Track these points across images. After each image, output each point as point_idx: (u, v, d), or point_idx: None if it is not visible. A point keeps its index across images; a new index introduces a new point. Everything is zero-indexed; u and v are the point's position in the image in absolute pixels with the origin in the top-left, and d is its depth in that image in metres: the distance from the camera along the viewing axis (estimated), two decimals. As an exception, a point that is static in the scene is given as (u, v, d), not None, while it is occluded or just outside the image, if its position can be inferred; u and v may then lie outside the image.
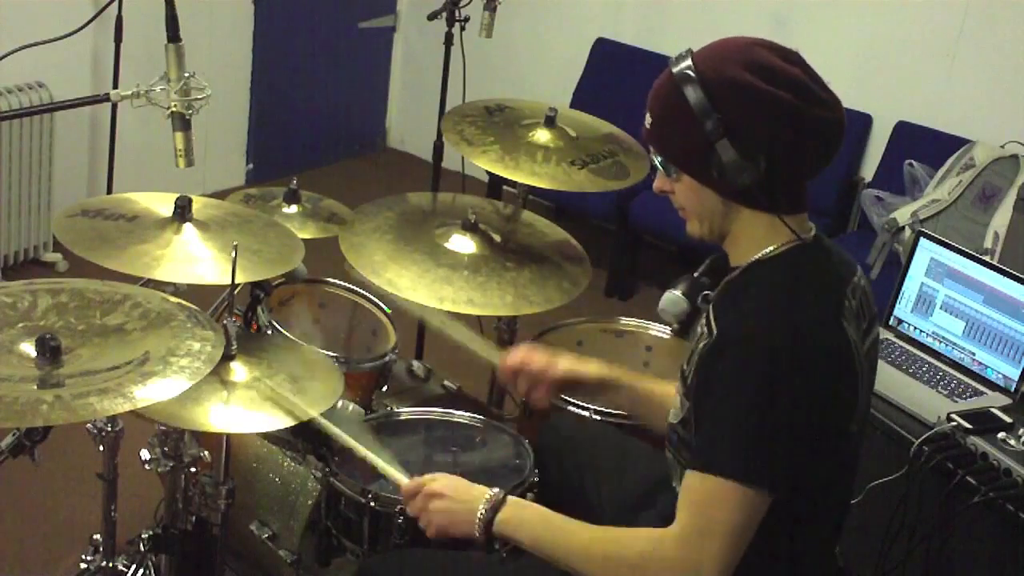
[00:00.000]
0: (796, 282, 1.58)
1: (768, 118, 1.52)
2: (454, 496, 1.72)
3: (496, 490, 1.72)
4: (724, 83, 1.52)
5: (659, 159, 1.64)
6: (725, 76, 1.52)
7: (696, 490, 1.53)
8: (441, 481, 1.76)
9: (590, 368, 1.99)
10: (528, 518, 1.68)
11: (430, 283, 2.36)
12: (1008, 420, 2.30)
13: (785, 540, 1.61)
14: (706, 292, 1.74)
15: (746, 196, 1.57)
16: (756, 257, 1.62)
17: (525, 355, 2.01)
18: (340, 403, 2.14)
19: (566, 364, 1.98)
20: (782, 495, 1.51)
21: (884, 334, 2.69)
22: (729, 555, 1.51)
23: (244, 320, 2.48)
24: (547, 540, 1.64)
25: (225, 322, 1.91)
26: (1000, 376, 2.47)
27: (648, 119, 1.63)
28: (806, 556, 1.68)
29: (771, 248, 1.61)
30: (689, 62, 1.55)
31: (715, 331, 1.58)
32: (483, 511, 1.68)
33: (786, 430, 1.50)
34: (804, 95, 1.52)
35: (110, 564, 2.23)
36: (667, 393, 1.87)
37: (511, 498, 1.71)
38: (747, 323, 1.55)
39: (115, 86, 3.71)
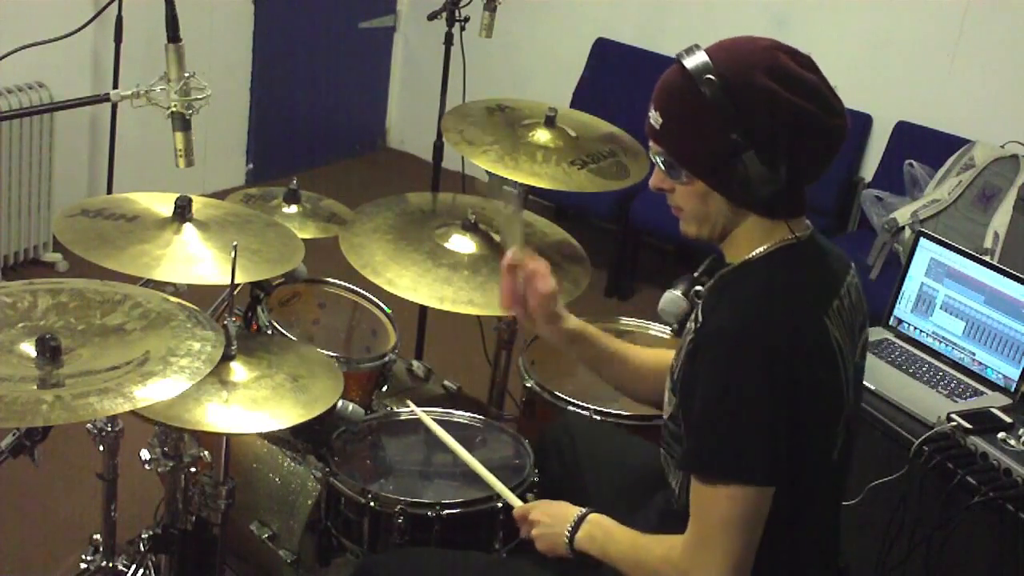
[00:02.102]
0: (781, 280, 1.59)
1: (793, 130, 1.50)
2: (549, 522, 1.80)
3: (581, 511, 1.77)
4: (751, 92, 1.49)
5: (664, 159, 1.61)
6: (753, 85, 1.49)
7: (696, 495, 1.56)
8: (541, 508, 1.84)
9: (571, 318, 1.98)
10: (597, 534, 1.74)
11: (430, 283, 2.36)
12: (1008, 420, 2.30)
13: (780, 540, 1.61)
14: (697, 288, 1.75)
15: (762, 205, 1.57)
16: (748, 256, 1.62)
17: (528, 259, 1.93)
18: (340, 403, 2.14)
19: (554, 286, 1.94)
20: (777, 485, 1.52)
21: (884, 334, 2.69)
22: (737, 553, 1.53)
23: (244, 320, 2.48)
24: (610, 552, 1.71)
25: (225, 322, 1.91)
26: (1000, 376, 2.47)
27: (657, 117, 1.59)
28: (802, 557, 1.68)
29: (764, 247, 1.61)
30: (705, 60, 1.51)
31: (699, 327, 1.60)
32: (567, 533, 1.76)
33: (765, 423, 1.50)
34: (823, 105, 1.52)
35: (110, 564, 2.23)
36: (637, 355, 1.95)
37: (591, 516, 1.76)
38: (726, 320, 1.56)
39: (115, 86, 3.71)
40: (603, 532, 1.73)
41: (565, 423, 2.29)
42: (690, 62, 1.52)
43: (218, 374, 1.96)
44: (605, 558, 1.71)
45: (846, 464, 1.69)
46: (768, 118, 1.49)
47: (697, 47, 1.54)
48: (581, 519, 1.75)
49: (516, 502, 1.94)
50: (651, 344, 2.80)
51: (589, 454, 2.13)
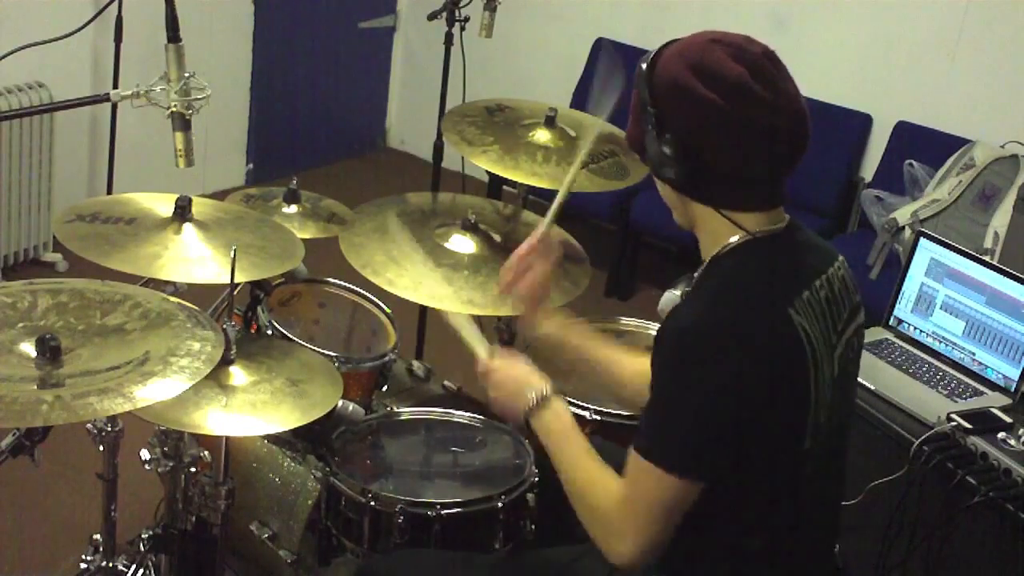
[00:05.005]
0: (740, 273, 1.60)
1: (696, 117, 1.54)
2: (508, 391, 1.84)
3: (540, 390, 1.78)
4: (667, 80, 1.57)
5: None
6: (670, 73, 1.56)
7: (630, 463, 1.58)
8: (502, 371, 1.86)
9: (546, 324, 2.01)
10: (554, 427, 1.75)
11: (430, 283, 2.36)
12: (1008, 420, 2.30)
13: (762, 537, 1.62)
14: (686, 289, 1.76)
15: (685, 189, 1.61)
16: (715, 252, 1.63)
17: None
18: (340, 403, 2.14)
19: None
20: (707, 483, 1.54)
21: (884, 334, 2.69)
22: (651, 531, 1.56)
23: (244, 320, 2.48)
24: (557, 453, 1.73)
25: (224, 326, 1.91)
26: (1000, 376, 2.47)
27: None
28: (795, 556, 1.68)
29: (730, 242, 1.62)
30: (649, 59, 1.60)
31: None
32: (524, 411, 1.78)
33: (699, 420, 1.52)
34: (736, 97, 1.52)
35: (110, 564, 2.23)
36: (618, 359, 1.98)
37: (552, 403, 1.77)
38: (680, 316, 1.58)
39: (115, 86, 3.71)
40: (560, 428, 1.75)
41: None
42: (643, 59, 1.62)
43: (217, 378, 1.96)
44: (548, 450, 1.74)
45: (831, 461, 1.66)
46: (674, 104, 1.56)
47: (661, 48, 1.62)
48: (539, 403, 1.77)
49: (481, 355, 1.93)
50: (650, 344, 2.80)
51: None
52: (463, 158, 2.61)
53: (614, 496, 1.60)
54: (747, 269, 1.60)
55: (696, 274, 1.67)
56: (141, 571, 2.23)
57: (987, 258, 2.81)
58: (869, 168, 4.41)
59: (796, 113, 1.56)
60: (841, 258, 1.70)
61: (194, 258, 2.05)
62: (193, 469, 2.14)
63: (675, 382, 1.54)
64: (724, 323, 1.52)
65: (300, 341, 2.40)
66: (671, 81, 1.56)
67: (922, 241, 2.64)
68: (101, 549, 2.24)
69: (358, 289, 2.74)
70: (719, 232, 1.62)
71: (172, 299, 1.83)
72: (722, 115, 1.52)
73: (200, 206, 2.18)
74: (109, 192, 4.01)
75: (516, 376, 1.83)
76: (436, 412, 2.42)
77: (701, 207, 1.62)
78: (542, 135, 2.64)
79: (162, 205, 2.16)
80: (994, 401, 2.41)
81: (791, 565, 1.68)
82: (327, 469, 2.19)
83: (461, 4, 3.25)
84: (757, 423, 1.52)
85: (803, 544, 1.69)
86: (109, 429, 2.11)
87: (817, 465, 1.62)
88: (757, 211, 1.61)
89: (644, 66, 1.59)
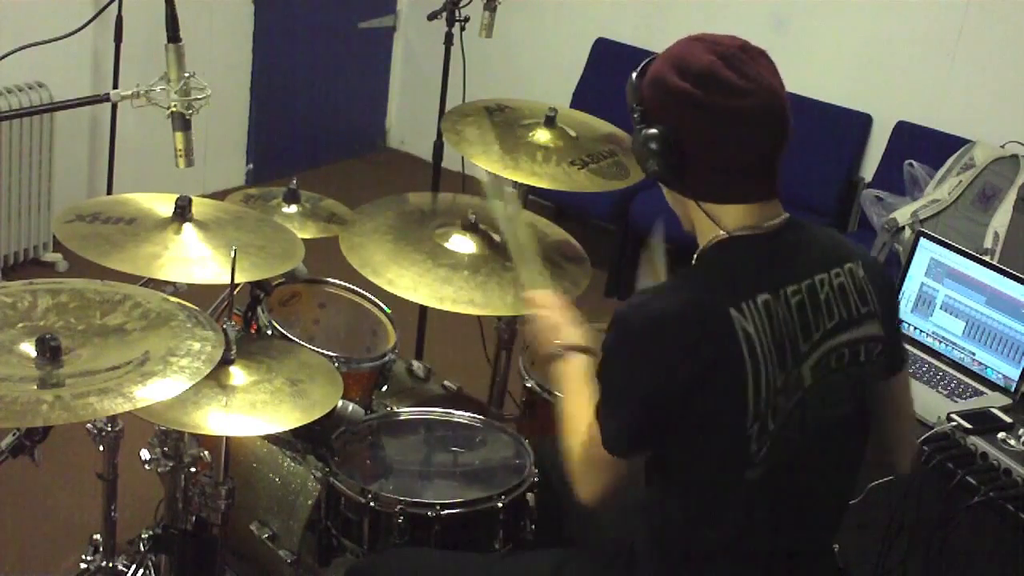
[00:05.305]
0: (702, 269, 1.64)
1: (672, 107, 1.58)
2: (549, 325, 1.89)
3: (577, 343, 1.83)
4: (649, 77, 1.62)
5: None
6: (651, 73, 1.62)
7: (596, 411, 1.65)
8: (548, 309, 1.92)
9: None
10: (571, 372, 1.81)
11: (430, 283, 2.36)
12: (1008, 420, 2.30)
13: (715, 530, 1.64)
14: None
15: (669, 181, 1.64)
16: (701, 248, 1.66)
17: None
18: (340, 403, 2.14)
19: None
20: (625, 456, 1.61)
21: (884, 334, 2.68)
22: (602, 481, 1.65)
23: (244, 320, 2.48)
24: (565, 399, 1.79)
25: (224, 326, 1.91)
26: (1000, 376, 2.47)
27: None
28: (756, 555, 1.66)
29: (712, 238, 1.63)
30: (644, 64, 1.66)
31: None
32: (559, 351, 1.84)
33: (637, 401, 1.58)
34: (709, 84, 1.55)
35: (110, 564, 2.23)
36: None
37: (580, 357, 1.81)
38: (630, 300, 1.63)
39: (115, 86, 3.71)
40: (575, 377, 1.79)
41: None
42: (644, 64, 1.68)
43: (217, 378, 1.96)
44: (559, 390, 1.81)
45: (803, 468, 1.63)
46: (654, 98, 1.61)
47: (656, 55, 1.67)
48: (573, 347, 1.83)
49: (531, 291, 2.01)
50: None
51: None
52: (463, 158, 2.61)
53: (578, 444, 1.68)
54: (709, 266, 1.63)
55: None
56: (141, 571, 2.23)
57: (987, 258, 2.81)
58: (869, 168, 4.41)
59: (769, 97, 1.56)
60: (849, 266, 1.66)
61: (194, 258, 2.05)
62: (193, 469, 2.14)
63: (613, 362, 1.61)
64: (664, 311, 1.56)
65: (300, 341, 2.40)
66: (652, 78, 1.62)
67: (922, 241, 2.65)
68: (101, 549, 2.24)
69: (358, 289, 2.74)
70: (704, 232, 1.65)
71: (172, 299, 1.83)
72: (694, 102, 1.56)
73: (200, 206, 2.18)
74: (109, 192, 4.02)
75: (559, 316, 1.89)
76: (436, 412, 2.41)
77: (694, 204, 1.64)
78: (542, 135, 2.64)
79: (162, 205, 2.16)
80: (994, 401, 2.41)
81: (753, 564, 1.66)
82: (327, 469, 2.19)
83: (461, 4, 3.25)
84: (685, 414, 1.56)
85: (765, 544, 1.66)
86: (109, 429, 2.11)
87: (777, 471, 1.59)
88: (742, 203, 1.61)
89: (635, 71, 1.65)
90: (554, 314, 1.90)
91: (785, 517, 1.67)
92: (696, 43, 1.61)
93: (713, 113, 1.55)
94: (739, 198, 1.61)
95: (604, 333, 1.62)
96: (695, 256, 1.66)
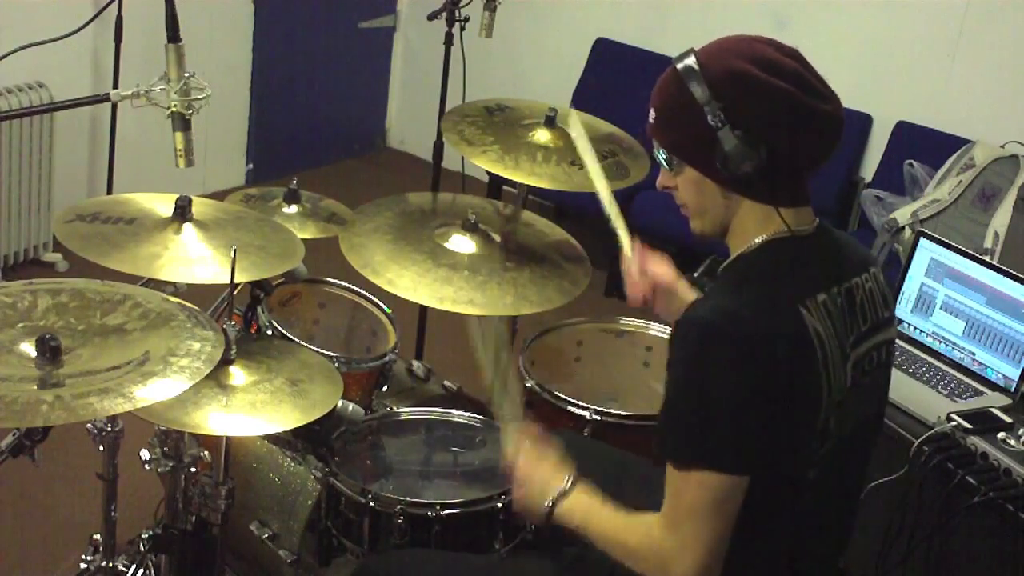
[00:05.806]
0: (760, 269, 1.59)
1: (767, 106, 1.53)
2: (532, 490, 1.76)
3: (565, 484, 1.72)
4: (725, 73, 1.54)
5: (662, 153, 1.65)
6: (725, 67, 1.54)
7: (669, 478, 1.56)
8: (529, 466, 1.78)
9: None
10: (577, 510, 1.70)
11: (430, 283, 2.36)
12: (1008, 420, 2.30)
13: (764, 534, 1.60)
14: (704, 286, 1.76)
15: (747, 185, 1.58)
16: (743, 250, 1.62)
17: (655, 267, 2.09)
18: (340, 403, 2.14)
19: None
20: (750, 474, 1.51)
21: (884, 334, 2.68)
22: (706, 539, 1.52)
23: (244, 320, 2.48)
24: (589, 529, 1.68)
25: (224, 326, 1.91)
26: (1000, 376, 2.47)
27: (652, 115, 1.64)
28: (798, 562, 1.67)
29: (758, 240, 1.61)
30: (692, 59, 1.56)
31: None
32: (547, 506, 1.72)
33: (730, 411, 1.49)
34: (802, 86, 1.54)
35: (110, 564, 2.23)
36: None
37: (573, 492, 1.72)
38: (699, 308, 1.57)
39: (115, 86, 3.71)
40: (583, 509, 1.70)
41: (564, 439, 2.27)
42: (679, 61, 1.58)
43: (217, 378, 1.96)
44: (582, 532, 1.69)
45: (838, 470, 1.65)
46: (741, 96, 1.53)
47: (691, 50, 1.59)
48: (562, 495, 1.72)
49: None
50: (650, 344, 2.80)
51: (588, 469, 2.11)
52: (463, 158, 2.61)
53: (655, 527, 1.57)
54: (767, 266, 1.60)
55: (719, 270, 1.67)
56: (141, 571, 2.23)
57: (987, 258, 2.81)
58: (869, 168, 4.41)
59: (839, 102, 1.58)
60: (873, 270, 1.68)
61: (194, 258, 2.05)
62: (193, 469, 2.14)
63: (698, 378, 1.51)
64: (743, 317, 1.51)
65: (300, 341, 2.40)
66: (730, 74, 1.53)
67: (922, 241, 2.64)
68: (101, 549, 2.24)
69: (358, 289, 2.75)
70: (748, 230, 1.62)
71: (172, 299, 1.83)
72: (793, 103, 1.52)
73: (200, 206, 2.18)
74: (109, 192, 4.02)
75: (539, 477, 1.77)
76: (436, 412, 2.42)
77: (749, 205, 1.60)
78: (542, 135, 2.64)
79: (162, 205, 2.16)
80: (994, 401, 2.41)
81: (794, 570, 1.67)
82: (327, 469, 2.19)
83: (461, 4, 3.25)
84: (780, 415, 1.51)
85: (806, 551, 1.68)
86: (109, 429, 2.10)
87: (823, 472, 1.61)
88: (791, 206, 1.61)
89: (691, 62, 1.55)
90: (535, 474, 1.76)
91: (825, 525, 1.68)
92: (755, 43, 1.57)
93: (808, 115, 1.54)
94: (803, 200, 1.62)
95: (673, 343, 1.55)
96: (739, 255, 1.62)
